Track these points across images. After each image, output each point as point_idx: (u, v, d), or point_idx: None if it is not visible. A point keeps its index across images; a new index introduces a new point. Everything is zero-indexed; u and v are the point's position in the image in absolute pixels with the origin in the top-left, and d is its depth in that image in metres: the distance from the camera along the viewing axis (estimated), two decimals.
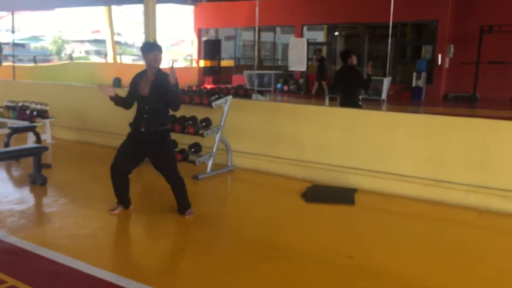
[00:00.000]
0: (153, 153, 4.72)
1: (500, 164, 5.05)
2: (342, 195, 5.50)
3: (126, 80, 13.20)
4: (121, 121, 7.60)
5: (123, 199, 4.86)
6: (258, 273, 3.64)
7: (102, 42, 28.16)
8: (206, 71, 20.93)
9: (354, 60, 6.92)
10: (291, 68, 17.01)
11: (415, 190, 5.50)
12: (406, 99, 15.60)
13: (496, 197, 5.05)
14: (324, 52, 18.59)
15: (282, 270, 3.67)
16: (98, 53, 37.48)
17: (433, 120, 5.70)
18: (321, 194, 5.58)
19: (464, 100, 15.00)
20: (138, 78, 4.70)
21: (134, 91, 4.69)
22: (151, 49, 4.55)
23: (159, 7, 7.69)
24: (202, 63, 21.12)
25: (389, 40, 6.93)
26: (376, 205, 5.36)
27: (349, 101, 6.78)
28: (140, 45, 4.68)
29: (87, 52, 40.98)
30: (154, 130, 4.60)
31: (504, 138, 5.03)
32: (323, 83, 16.55)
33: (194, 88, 7.17)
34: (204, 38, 21.81)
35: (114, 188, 4.79)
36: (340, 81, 7.15)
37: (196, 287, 3.44)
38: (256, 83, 15.84)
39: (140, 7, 7.75)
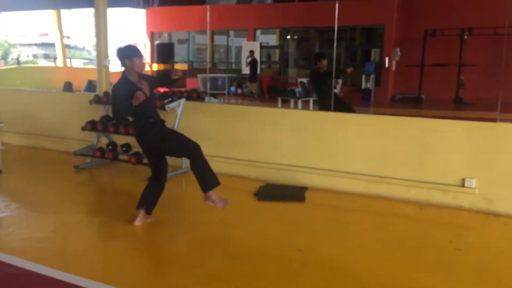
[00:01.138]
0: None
1: (439, 160, 5.38)
2: (293, 193, 5.71)
3: (77, 84, 13.00)
4: (71, 126, 7.57)
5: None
6: (212, 269, 3.77)
7: (51, 45, 27.44)
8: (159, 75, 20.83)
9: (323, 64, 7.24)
10: (244, 71, 17.23)
11: (362, 187, 5.78)
12: (356, 100, 16.12)
13: (436, 191, 5.39)
14: (276, 56, 18.91)
15: (235, 265, 3.82)
16: (46, 56, 36.44)
17: (377, 120, 6.01)
18: (273, 192, 5.77)
19: (410, 101, 15.64)
20: (131, 84, 4.37)
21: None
22: (139, 54, 4.39)
23: (110, 11, 7.69)
24: (155, 67, 21.01)
25: (335, 44, 7.22)
26: (326, 201, 5.59)
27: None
28: (122, 48, 4.40)
29: (35, 56, 39.78)
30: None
31: (442, 135, 5.37)
32: (254, 84, 16.96)
33: None
34: (156, 42, 21.71)
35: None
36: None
37: (149, 285, 3.54)
38: (209, 86, 15.94)
39: (90, 10, 7.72)
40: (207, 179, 4.42)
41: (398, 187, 5.59)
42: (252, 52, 17.53)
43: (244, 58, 16.72)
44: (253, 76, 16.84)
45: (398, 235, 4.58)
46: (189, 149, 4.47)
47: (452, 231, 4.72)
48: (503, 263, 3.95)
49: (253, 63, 16.85)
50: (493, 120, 5.20)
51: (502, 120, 5.12)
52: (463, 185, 5.23)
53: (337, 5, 6.17)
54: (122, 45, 4.47)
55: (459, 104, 14.77)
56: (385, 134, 5.72)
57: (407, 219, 5.08)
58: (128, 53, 4.36)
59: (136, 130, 4.59)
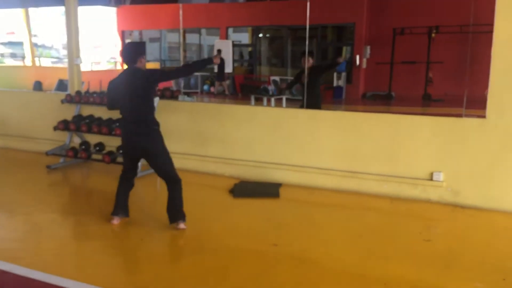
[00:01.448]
0: None
1: (408, 155, 5.55)
2: (268, 190, 5.80)
3: (48, 84, 12.78)
4: (43, 126, 7.48)
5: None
6: (188, 265, 3.83)
7: (17, 44, 26.81)
8: None
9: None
10: (217, 70, 17.24)
11: (335, 182, 5.91)
12: (329, 98, 16.33)
13: (406, 185, 5.55)
14: (249, 54, 18.96)
15: (210, 261, 3.89)
16: (13, 55, 35.56)
17: (348, 117, 6.14)
18: (248, 189, 5.84)
19: (381, 98, 15.93)
20: None
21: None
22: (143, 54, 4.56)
23: (81, 9, 7.62)
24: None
25: (307, 42, 7.33)
26: (300, 197, 5.70)
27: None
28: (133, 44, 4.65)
29: (1, 55, 38.79)
30: None
31: (411, 131, 5.54)
32: (223, 83, 17.08)
33: None
34: (128, 40, 21.50)
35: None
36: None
37: (127, 281, 3.57)
38: (182, 85, 15.92)
39: (59, 8, 7.63)
40: (176, 213, 4.51)
41: (369, 182, 5.73)
42: (219, 51, 17.59)
43: None
44: (220, 75, 16.95)
45: (369, 228, 4.71)
46: (176, 178, 4.57)
47: (421, 223, 4.88)
48: (468, 252, 4.12)
49: (221, 63, 16.89)
50: (459, 115, 5.38)
51: (467, 116, 5.31)
52: (431, 179, 5.40)
53: (308, 3, 6.26)
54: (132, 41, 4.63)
55: (428, 101, 15.14)
56: (357, 130, 5.86)
57: (378, 212, 5.22)
58: (142, 51, 4.57)
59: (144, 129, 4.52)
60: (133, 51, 4.49)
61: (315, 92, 7.12)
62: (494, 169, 5.10)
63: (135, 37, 21.80)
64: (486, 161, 5.12)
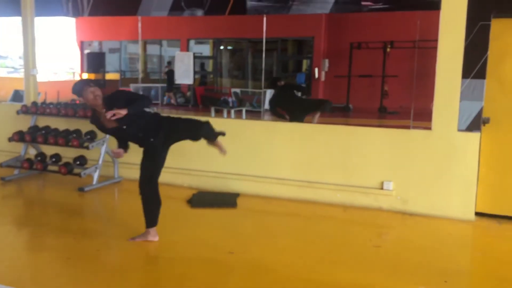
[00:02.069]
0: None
1: (361, 165, 5.77)
2: (225, 200, 5.89)
3: (2, 94, 12.47)
4: None
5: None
6: (143, 274, 3.88)
7: None
8: None
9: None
10: (178, 81, 17.25)
11: (291, 192, 6.07)
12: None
13: (359, 194, 5.77)
14: (210, 66, 19.08)
15: (166, 269, 3.95)
16: None
17: (305, 128, 6.32)
18: (205, 199, 5.92)
19: (339, 110, 16.31)
20: (98, 121, 4.38)
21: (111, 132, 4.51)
22: (85, 87, 4.24)
23: (38, 20, 7.56)
24: (85, 76, 20.52)
25: (263, 55, 7.54)
26: (257, 207, 5.81)
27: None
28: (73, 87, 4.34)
29: None
30: None
31: (362, 142, 5.76)
32: (170, 94, 17.38)
33: (77, 102, 7.15)
34: (87, 51, 21.23)
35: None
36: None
37: None
38: None
39: (16, 18, 7.55)
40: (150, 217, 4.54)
41: (324, 191, 5.92)
42: (169, 63, 17.83)
43: (177, 68, 16.77)
44: (169, 86, 17.22)
45: (322, 235, 4.87)
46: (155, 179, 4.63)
47: (372, 230, 5.08)
48: (415, 257, 4.33)
49: (169, 74, 17.20)
50: (407, 127, 5.66)
51: (414, 127, 5.59)
52: (382, 188, 5.64)
53: (264, 18, 6.46)
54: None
55: (384, 113, 15.61)
56: (313, 141, 6.05)
57: (331, 220, 5.40)
58: (76, 91, 4.28)
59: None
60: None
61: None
62: (439, 178, 5.38)
63: (95, 47, 21.55)
64: (432, 170, 5.40)
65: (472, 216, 5.31)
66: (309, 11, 6.01)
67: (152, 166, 4.54)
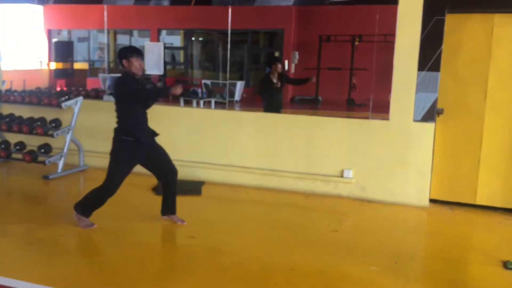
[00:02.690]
0: (153, 155, 4.66)
1: (322, 153, 5.96)
2: (190, 187, 6.00)
3: None
4: None
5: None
6: (106, 258, 3.96)
7: None
8: (58, 74, 19.99)
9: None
10: (148, 72, 17.15)
11: (255, 180, 6.22)
12: (259, 102, 16.71)
13: (320, 182, 5.96)
14: (181, 57, 19.00)
15: (129, 254, 4.04)
16: None
17: (268, 118, 6.46)
18: None
19: (309, 102, 16.53)
20: (135, 82, 4.42)
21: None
22: (136, 55, 4.37)
23: (3, 7, 7.47)
24: (53, 66, 20.18)
25: (228, 46, 7.66)
26: (221, 194, 5.95)
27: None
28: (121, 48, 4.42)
29: None
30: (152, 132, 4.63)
31: (324, 132, 5.95)
32: None
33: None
34: (55, 40, 20.86)
35: (99, 206, 4.56)
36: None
37: (46, 273, 3.64)
38: (107, 85, 15.73)
39: None
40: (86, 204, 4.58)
41: (287, 179, 6.09)
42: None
43: (148, 59, 16.67)
44: None
45: (283, 222, 5.04)
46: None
47: (331, 216, 5.27)
48: (369, 241, 4.54)
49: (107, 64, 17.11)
50: (366, 117, 5.87)
51: (373, 118, 5.80)
52: (342, 176, 5.84)
53: (229, 9, 6.57)
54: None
55: (352, 105, 15.91)
56: (277, 130, 6.20)
57: (293, 207, 5.57)
58: (129, 52, 4.37)
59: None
60: (118, 55, 4.41)
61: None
62: (396, 166, 5.61)
63: (64, 36, 21.19)
64: (389, 159, 5.63)
65: (426, 202, 5.57)
66: (274, 2, 6.13)
67: None
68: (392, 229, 4.91)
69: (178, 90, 4.30)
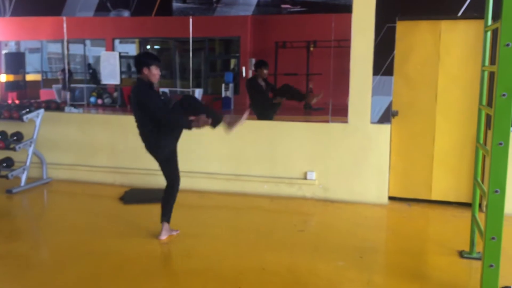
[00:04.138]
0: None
1: (286, 157, 6.16)
2: (158, 195, 6.00)
3: None
4: None
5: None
6: (78, 269, 3.98)
7: None
8: (9, 86, 19.39)
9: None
10: (104, 82, 16.97)
11: (221, 185, 6.35)
12: (218, 108, 16.81)
13: (284, 184, 6.15)
14: None
15: (100, 263, 4.08)
16: None
17: None
18: (138, 196, 6.06)
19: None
20: (153, 90, 4.45)
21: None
22: (156, 62, 4.40)
23: None
24: (3, 78, 19.56)
25: (190, 55, 7.76)
26: (188, 201, 6.02)
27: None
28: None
29: None
30: None
31: (286, 135, 6.16)
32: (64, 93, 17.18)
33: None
34: (4, 51, 20.25)
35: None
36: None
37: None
38: (68, 97, 15.48)
39: None
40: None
41: (252, 183, 6.25)
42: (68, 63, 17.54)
43: (103, 68, 16.50)
44: (65, 85, 17.02)
45: (251, 225, 5.20)
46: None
47: (297, 217, 5.47)
48: (334, 238, 4.76)
49: (64, 75, 16.99)
50: (326, 121, 6.12)
51: (333, 121, 6.06)
52: (305, 178, 6.06)
53: (190, 20, 6.69)
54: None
55: (309, 110, 16.27)
56: (240, 136, 6.31)
57: (260, 210, 5.74)
58: (149, 60, 4.36)
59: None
60: (138, 62, 4.40)
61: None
62: (356, 167, 5.88)
63: (11, 47, 20.61)
64: (350, 160, 5.89)
65: (385, 200, 5.86)
66: (233, 13, 6.31)
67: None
68: (355, 226, 5.15)
69: (203, 123, 4.45)
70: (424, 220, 5.51)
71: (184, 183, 6.36)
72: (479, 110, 4.18)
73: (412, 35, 5.72)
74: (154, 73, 4.39)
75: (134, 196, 6.05)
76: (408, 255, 4.38)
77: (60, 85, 17.41)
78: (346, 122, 5.89)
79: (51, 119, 6.74)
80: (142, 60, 4.42)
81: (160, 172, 6.48)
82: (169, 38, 18.95)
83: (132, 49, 21.09)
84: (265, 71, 7.38)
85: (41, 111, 6.45)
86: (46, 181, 6.59)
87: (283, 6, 6.15)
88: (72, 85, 18.66)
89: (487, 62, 4.12)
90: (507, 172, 3.24)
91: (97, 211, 5.60)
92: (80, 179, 6.72)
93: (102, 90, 18.83)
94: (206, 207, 5.86)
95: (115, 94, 18.20)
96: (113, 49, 19.27)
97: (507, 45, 3.10)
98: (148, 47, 19.81)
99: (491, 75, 4.80)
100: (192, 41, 8.39)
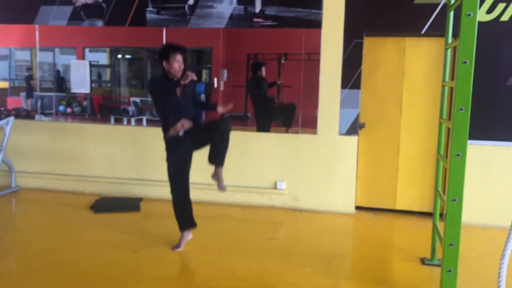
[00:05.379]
0: (196, 138, 4.63)
1: (256, 167, 6.29)
2: (129, 204, 6.09)
3: None
4: None
5: (192, 220, 4.72)
6: (49, 276, 3.99)
7: None
8: None
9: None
10: (73, 90, 16.80)
11: (193, 194, 6.30)
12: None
13: (254, 194, 6.27)
14: (108, 75, 18.79)
15: (71, 272, 4.09)
16: None
17: None
18: (109, 205, 6.07)
19: (238, 119, 16.90)
20: (162, 82, 4.26)
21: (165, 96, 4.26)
22: (177, 53, 4.17)
23: None
24: None
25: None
26: (160, 210, 6.08)
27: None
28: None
29: None
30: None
31: (257, 146, 6.31)
32: (30, 100, 16.98)
33: None
34: None
35: (184, 215, 4.67)
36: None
37: None
38: (39, 105, 15.27)
39: None
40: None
41: (224, 193, 6.32)
42: (30, 68, 17.35)
43: (73, 77, 16.35)
44: (28, 93, 16.83)
45: (222, 233, 5.28)
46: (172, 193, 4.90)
47: (267, 226, 5.59)
48: (303, 246, 4.89)
49: (28, 80, 16.80)
50: (296, 132, 6.28)
51: (303, 132, 6.22)
52: (275, 188, 6.19)
53: (164, 30, 6.79)
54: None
55: (278, 121, 16.47)
56: None
57: (231, 219, 5.83)
58: (165, 52, 4.18)
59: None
60: (159, 55, 4.23)
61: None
62: (324, 177, 6.05)
63: None
64: (319, 170, 6.06)
65: (352, 209, 6.04)
66: (206, 25, 6.43)
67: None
68: (323, 234, 5.30)
69: (180, 127, 4.40)
70: (389, 228, 5.70)
71: (155, 192, 6.45)
72: (440, 123, 4.40)
73: (379, 50, 5.96)
74: (173, 65, 4.17)
75: (105, 204, 6.05)
76: (373, 261, 4.54)
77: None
78: (315, 133, 6.06)
79: (21, 127, 6.70)
80: (160, 52, 4.24)
81: (131, 180, 6.55)
82: (141, 48, 18.94)
83: (103, 58, 20.96)
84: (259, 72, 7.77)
85: (11, 118, 6.42)
86: (15, 190, 6.52)
87: (255, 20, 6.34)
88: (41, 93, 18.43)
89: (447, 78, 4.35)
90: (464, 181, 3.43)
91: (67, 219, 5.58)
92: (49, 187, 6.68)
93: (71, 99, 18.61)
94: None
95: (85, 103, 18.03)
96: (83, 57, 19.13)
97: (465, 62, 3.32)
98: (119, 56, 19.73)
99: (452, 90, 5.06)
100: None
